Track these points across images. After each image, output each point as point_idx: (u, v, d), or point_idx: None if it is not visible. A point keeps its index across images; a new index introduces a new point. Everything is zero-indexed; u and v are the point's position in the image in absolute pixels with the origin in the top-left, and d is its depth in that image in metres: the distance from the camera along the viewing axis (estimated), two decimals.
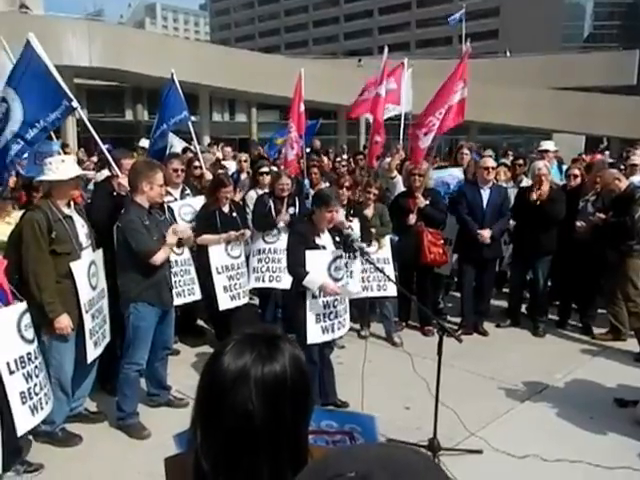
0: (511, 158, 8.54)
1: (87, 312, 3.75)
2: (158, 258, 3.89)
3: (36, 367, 3.27)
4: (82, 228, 3.83)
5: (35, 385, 3.23)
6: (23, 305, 3.28)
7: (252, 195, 5.93)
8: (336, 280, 4.05)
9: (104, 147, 5.00)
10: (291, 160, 6.98)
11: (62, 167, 3.66)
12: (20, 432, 3.10)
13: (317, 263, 3.99)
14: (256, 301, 6.19)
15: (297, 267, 3.98)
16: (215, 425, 0.94)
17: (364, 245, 4.54)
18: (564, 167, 7.99)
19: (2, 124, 4.24)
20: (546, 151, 7.41)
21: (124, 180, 4.36)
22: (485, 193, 5.81)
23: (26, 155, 4.82)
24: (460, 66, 6.36)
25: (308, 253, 3.97)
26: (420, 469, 0.56)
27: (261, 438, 0.92)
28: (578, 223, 5.68)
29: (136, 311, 3.91)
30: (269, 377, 0.94)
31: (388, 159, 7.25)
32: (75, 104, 4.30)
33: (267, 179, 6.02)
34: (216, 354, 0.99)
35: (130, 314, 3.92)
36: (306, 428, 0.99)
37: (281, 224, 5.32)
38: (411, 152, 6.62)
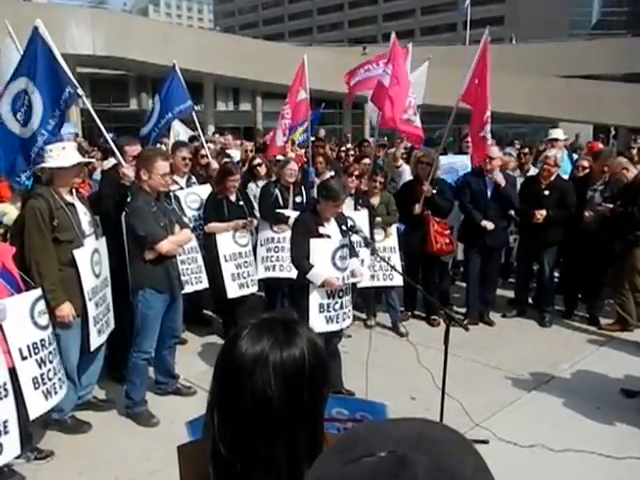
0: (517, 146, 8.49)
1: (90, 300, 3.77)
2: (163, 246, 3.88)
3: (50, 353, 3.30)
4: (85, 216, 3.83)
5: (49, 370, 3.26)
6: (37, 292, 3.31)
7: (251, 187, 5.92)
8: (341, 270, 4.04)
9: (108, 136, 4.99)
10: (280, 146, 6.88)
11: (63, 154, 3.65)
12: (32, 416, 3.15)
13: (321, 252, 3.98)
14: (262, 291, 6.19)
15: (301, 259, 3.97)
16: (233, 410, 0.94)
17: (368, 236, 4.54)
18: (574, 156, 7.93)
19: (28, 115, 4.21)
20: (555, 140, 7.34)
21: (127, 169, 4.36)
22: (490, 182, 5.78)
23: None
24: (486, 54, 5.94)
25: (312, 242, 3.96)
26: (451, 445, 0.55)
27: (279, 423, 0.92)
28: (586, 213, 5.65)
29: (144, 299, 3.92)
30: (288, 362, 0.93)
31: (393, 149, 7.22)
32: (80, 92, 4.28)
33: (263, 170, 6.03)
34: (233, 338, 0.97)
35: (139, 302, 3.94)
36: (322, 413, 0.99)
37: (291, 220, 5.26)
38: (476, 150, 5.85)
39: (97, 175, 5.79)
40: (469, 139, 7.01)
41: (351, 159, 7.90)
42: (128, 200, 4.04)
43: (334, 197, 3.93)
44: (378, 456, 0.51)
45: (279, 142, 6.84)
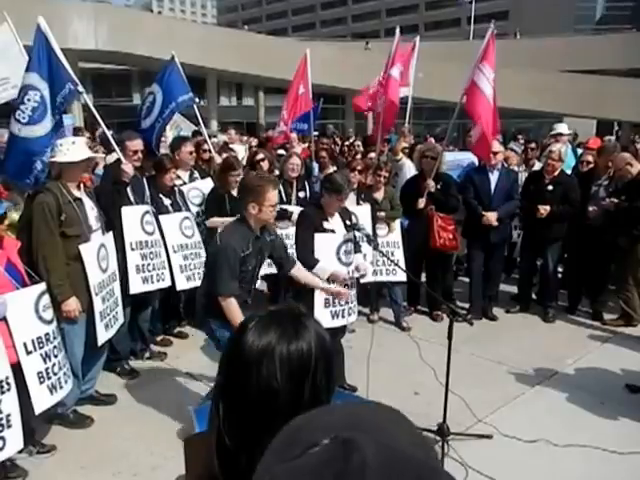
0: (522, 141, 8.45)
1: (97, 295, 3.77)
2: (227, 306, 3.31)
3: (55, 347, 3.30)
4: (92, 211, 3.83)
5: (54, 365, 3.26)
6: (41, 286, 3.30)
7: None
8: (345, 264, 4.03)
9: (108, 132, 4.97)
10: (276, 137, 7.32)
11: (73, 149, 3.65)
12: (37, 410, 3.15)
13: (326, 247, 3.97)
14: (264, 286, 6.18)
15: (306, 254, 3.96)
16: (239, 402, 0.93)
17: (371, 233, 4.53)
18: (579, 151, 7.87)
19: (40, 114, 4.08)
20: (560, 134, 7.29)
21: (126, 166, 4.34)
22: (493, 177, 5.76)
23: None
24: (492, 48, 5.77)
25: (317, 236, 3.95)
26: (385, 422, 0.56)
27: (284, 416, 0.91)
28: (590, 208, 5.62)
29: (220, 330, 3.44)
30: (295, 355, 0.93)
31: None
32: (80, 88, 4.24)
33: (265, 165, 6.02)
34: (240, 330, 0.97)
35: (214, 331, 3.52)
36: None
37: (294, 216, 5.25)
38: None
39: (99, 170, 5.78)
40: (472, 133, 6.97)
41: (353, 154, 7.89)
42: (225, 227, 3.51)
43: (338, 190, 3.92)
44: (322, 444, 0.50)
45: (276, 133, 7.31)
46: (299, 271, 3.74)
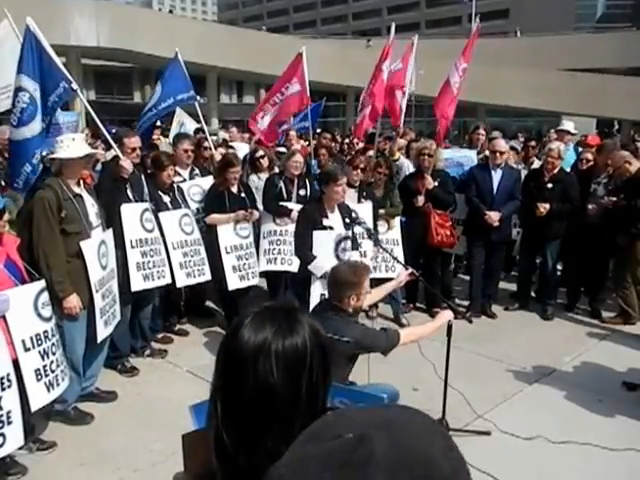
0: (522, 139, 8.45)
1: (97, 291, 3.78)
2: (407, 333, 3.47)
3: (53, 344, 3.30)
4: (92, 207, 3.84)
5: (52, 362, 3.26)
6: (41, 283, 3.31)
7: (253, 179, 5.92)
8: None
9: (105, 130, 4.97)
10: (261, 133, 6.93)
11: (73, 145, 3.66)
12: (34, 408, 3.15)
13: (324, 244, 3.99)
14: (264, 283, 6.19)
15: (304, 250, 3.98)
16: (236, 399, 0.94)
17: (371, 228, 4.55)
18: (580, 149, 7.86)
19: (29, 115, 4.07)
20: (568, 132, 7.24)
21: (125, 162, 4.35)
22: (496, 176, 5.77)
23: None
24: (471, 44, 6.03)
25: (315, 233, 3.98)
26: (418, 427, 0.56)
27: (282, 411, 0.92)
28: (589, 206, 5.63)
29: None
30: (290, 350, 0.94)
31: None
32: (75, 86, 4.22)
33: (265, 162, 6.04)
34: (235, 327, 0.98)
35: None
36: (325, 401, 0.99)
37: (294, 214, 5.25)
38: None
39: (100, 166, 5.80)
40: (480, 131, 7.04)
41: (355, 152, 7.89)
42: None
43: (334, 177, 3.97)
44: (345, 438, 0.52)
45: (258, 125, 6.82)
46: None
